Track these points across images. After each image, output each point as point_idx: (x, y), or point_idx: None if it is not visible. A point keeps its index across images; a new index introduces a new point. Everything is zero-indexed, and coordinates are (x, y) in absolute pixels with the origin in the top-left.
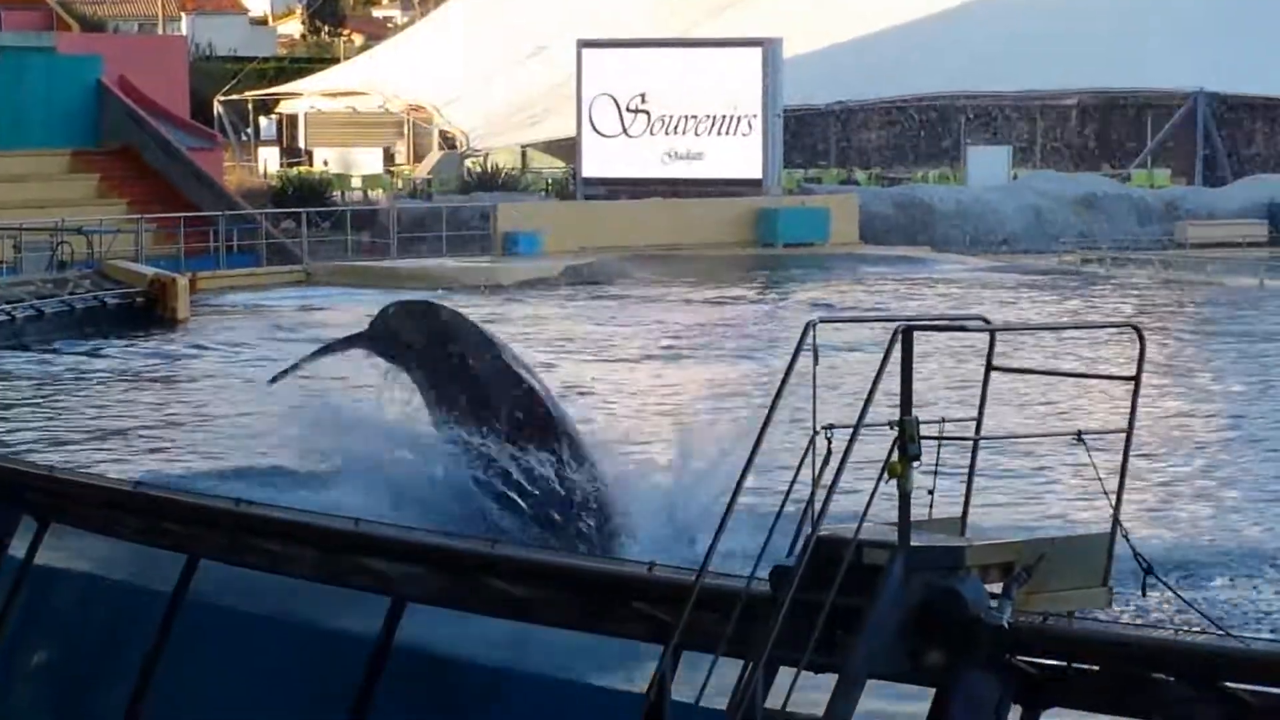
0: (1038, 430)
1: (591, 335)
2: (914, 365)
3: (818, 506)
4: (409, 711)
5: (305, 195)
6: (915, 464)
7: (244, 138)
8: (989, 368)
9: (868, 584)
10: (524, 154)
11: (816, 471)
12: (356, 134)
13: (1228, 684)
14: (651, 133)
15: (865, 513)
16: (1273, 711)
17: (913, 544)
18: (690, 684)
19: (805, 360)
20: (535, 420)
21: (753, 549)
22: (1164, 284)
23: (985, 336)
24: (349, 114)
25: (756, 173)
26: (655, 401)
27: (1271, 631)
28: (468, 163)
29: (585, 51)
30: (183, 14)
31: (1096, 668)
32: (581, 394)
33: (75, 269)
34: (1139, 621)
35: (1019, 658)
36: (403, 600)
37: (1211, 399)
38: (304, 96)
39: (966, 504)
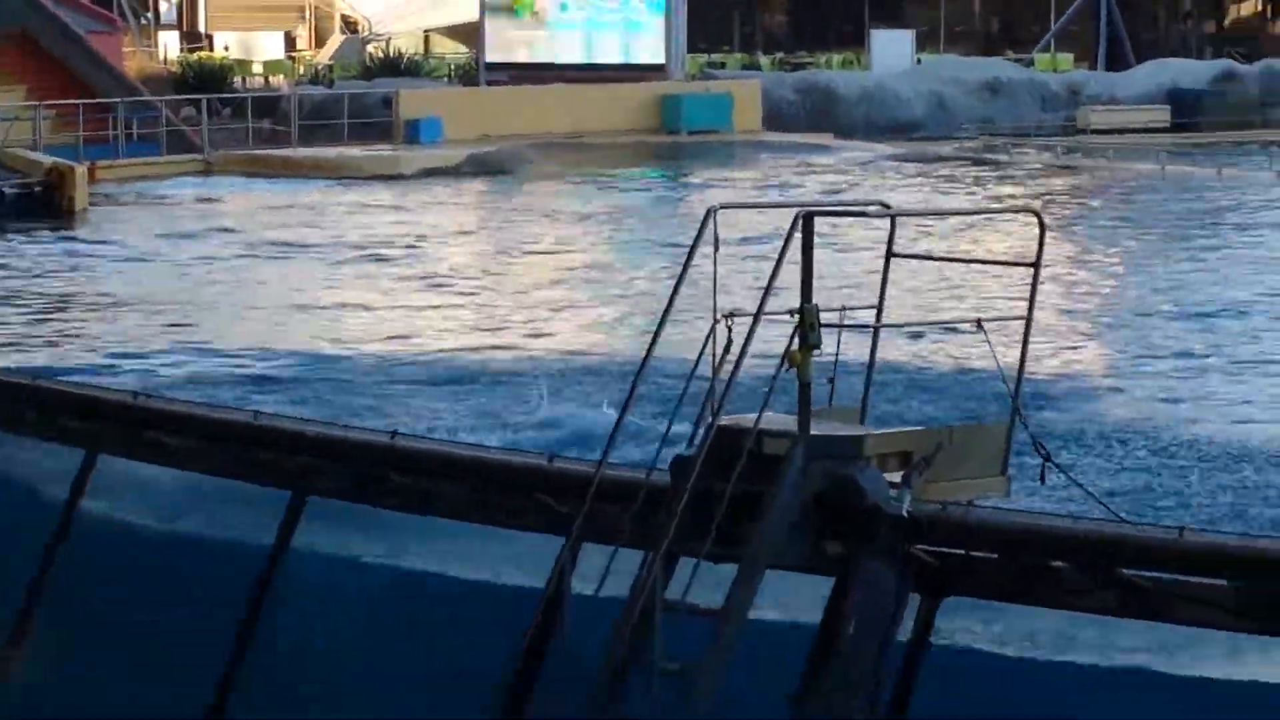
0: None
1: (492, 223)
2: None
3: (718, 396)
4: (305, 610)
5: (206, 81)
6: (815, 352)
7: (143, 21)
8: (889, 254)
9: (768, 473)
10: (427, 39)
11: (716, 361)
12: (258, 18)
13: (1124, 570)
14: (555, 18)
15: (765, 402)
16: (1168, 596)
17: (812, 433)
18: (590, 576)
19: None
20: None
21: (654, 438)
22: (1065, 169)
23: (886, 222)
24: None
25: (660, 58)
26: (559, 289)
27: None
28: (370, 48)
29: None
30: None
31: (995, 555)
32: (480, 282)
33: None
34: (1037, 509)
35: (918, 546)
36: (303, 494)
37: (1111, 282)
38: None
39: (866, 393)
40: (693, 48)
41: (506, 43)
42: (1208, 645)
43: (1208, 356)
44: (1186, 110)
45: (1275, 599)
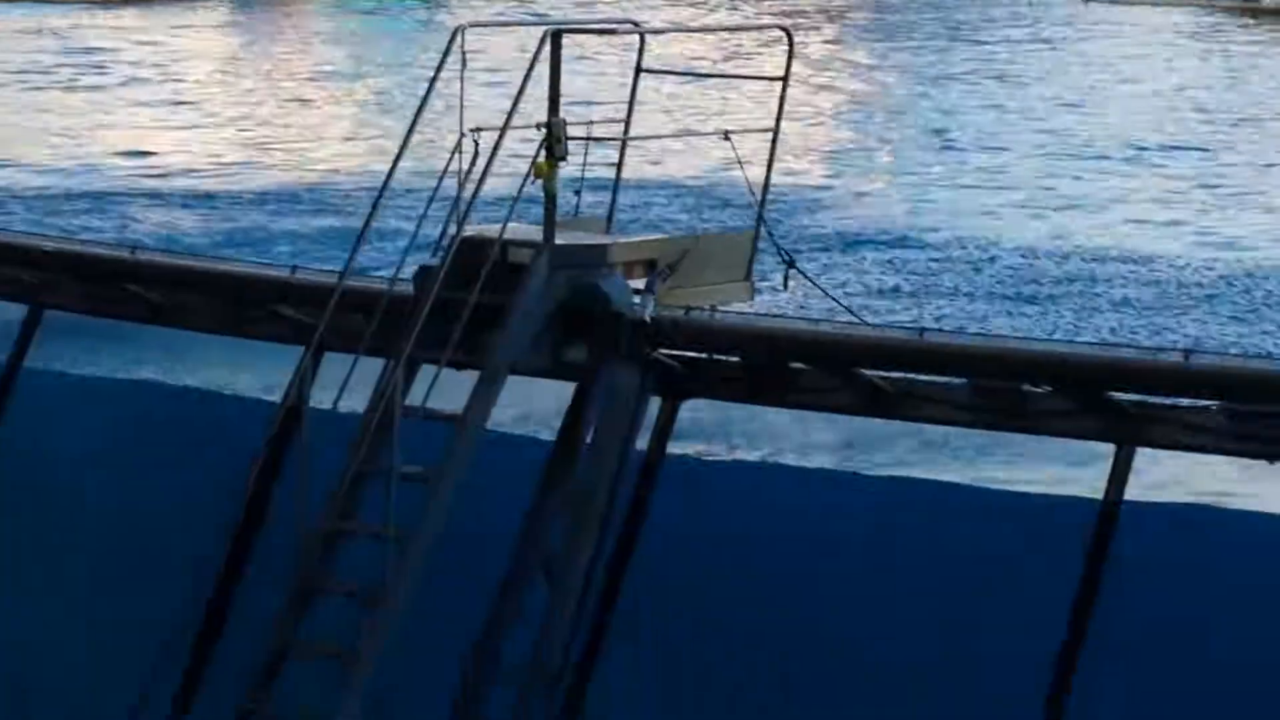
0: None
1: (241, 47)
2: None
3: (463, 207)
4: (42, 423)
5: None
6: (561, 164)
7: None
8: (638, 70)
9: (513, 283)
10: None
11: (463, 174)
12: None
13: (862, 370)
14: None
15: (511, 213)
16: (903, 396)
17: (557, 242)
18: (334, 387)
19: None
20: None
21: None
22: None
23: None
24: None
25: None
26: (309, 111)
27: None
28: None
29: None
30: None
31: (736, 359)
32: (227, 101)
33: None
34: (780, 313)
35: (660, 351)
36: (40, 308)
37: (860, 96)
38: None
39: (614, 202)
40: None
41: None
42: (950, 449)
43: (951, 166)
44: None
45: (1009, 396)
